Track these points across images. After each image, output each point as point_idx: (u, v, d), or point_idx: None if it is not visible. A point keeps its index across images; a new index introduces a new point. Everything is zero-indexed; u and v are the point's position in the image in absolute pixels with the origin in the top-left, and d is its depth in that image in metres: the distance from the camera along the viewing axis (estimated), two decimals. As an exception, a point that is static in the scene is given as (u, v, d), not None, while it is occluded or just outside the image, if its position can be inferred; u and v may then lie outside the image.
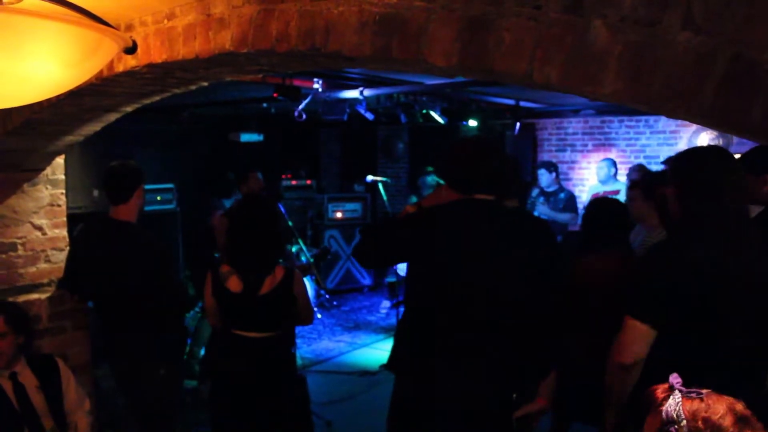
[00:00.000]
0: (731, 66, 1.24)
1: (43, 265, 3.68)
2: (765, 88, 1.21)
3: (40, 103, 2.71)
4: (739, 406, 1.42)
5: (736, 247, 2.25)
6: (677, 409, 1.40)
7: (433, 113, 7.23)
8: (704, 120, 1.32)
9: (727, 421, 1.37)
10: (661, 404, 1.44)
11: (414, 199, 8.58)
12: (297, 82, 5.76)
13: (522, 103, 8.15)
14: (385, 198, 7.53)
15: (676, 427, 1.39)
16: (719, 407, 1.39)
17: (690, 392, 1.43)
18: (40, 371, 3.18)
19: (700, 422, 1.37)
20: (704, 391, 1.44)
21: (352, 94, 6.25)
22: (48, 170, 3.66)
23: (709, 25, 1.25)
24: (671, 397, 1.44)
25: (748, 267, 2.23)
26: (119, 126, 3.55)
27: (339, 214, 9.39)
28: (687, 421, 1.38)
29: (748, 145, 2.82)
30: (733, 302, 2.21)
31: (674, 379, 1.49)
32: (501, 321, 2.48)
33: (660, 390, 1.49)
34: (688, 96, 1.28)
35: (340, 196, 9.82)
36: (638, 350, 2.25)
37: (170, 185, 7.85)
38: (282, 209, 6.67)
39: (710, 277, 2.20)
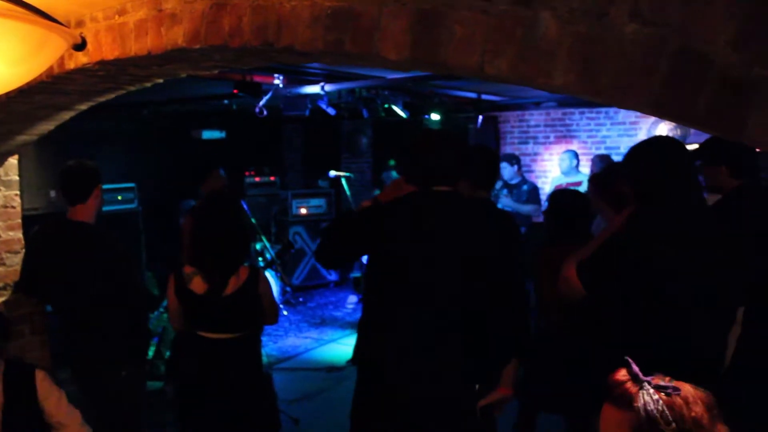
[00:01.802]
0: (678, 58, 1.25)
1: (-2, 269, 3.60)
2: (710, 80, 1.23)
3: (-12, 102, 2.65)
4: (707, 397, 1.43)
5: (686, 236, 2.29)
6: (659, 407, 1.38)
7: (395, 107, 7.23)
8: (653, 111, 1.34)
9: (706, 417, 1.38)
10: (634, 399, 1.42)
11: (378, 193, 8.58)
12: (258, 78, 5.72)
13: (484, 96, 8.20)
14: (348, 193, 7.53)
15: (661, 428, 1.38)
16: (697, 404, 1.39)
17: (665, 388, 1.41)
18: (12, 386, 2.91)
19: (689, 423, 1.37)
20: (672, 383, 1.44)
21: (314, 89, 6.23)
22: (0, 171, 3.58)
23: (656, 17, 1.26)
24: (643, 392, 1.42)
25: (697, 256, 2.27)
26: (77, 125, 3.49)
27: (303, 210, 9.35)
28: (675, 423, 1.36)
29: (705, 135, 2.88)
30: (679, 289, 2.26)
31: (634, 365, 1.48)
32: (460, 311, 2.49)
33: (628, 382, 1.47)
34: (636, 87, 1.30)
35: (304, 192, 9.78)
36: (565, 291, 2.44)
37: (131, 184, 7.75)
38: (245, 207, 6.61)
39: (658, 263, 2.25)
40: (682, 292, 2.25)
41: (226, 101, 7.13)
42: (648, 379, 1.44)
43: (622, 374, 1.49)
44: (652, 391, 1.41)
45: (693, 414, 1.38)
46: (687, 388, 1.43)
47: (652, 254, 2.26)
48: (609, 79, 1.33)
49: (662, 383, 1.43)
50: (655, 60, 1.27)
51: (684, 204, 2.36)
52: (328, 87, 6.18)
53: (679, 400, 1.39)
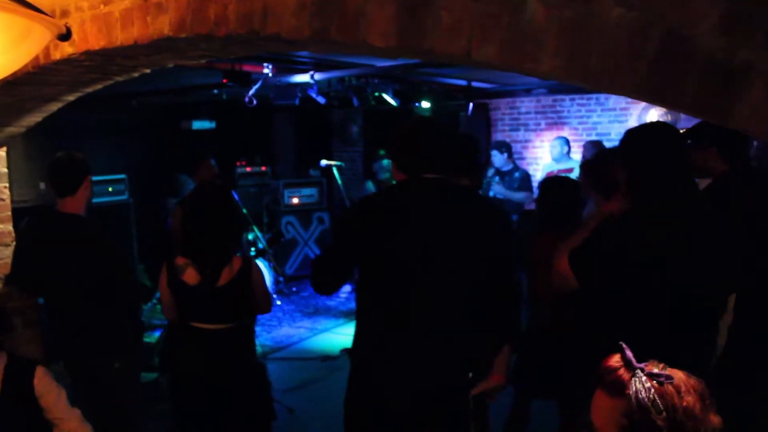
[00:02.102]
0: (664, 42, 1.25)
1: (-12, 262, 3.58)
2: (697, 64, 1.23)
3: (-26, 94, 2.63)
4: (699, 385, 1.42)
5: (680, 223, 2.29)
6: (650, 396, 1.37)
7: (385, 96, 7.22)
8: (640, 95, 1.34)
9: (698, 406, 1.38)
10: (627, 386, 1.40)
11: (370, 184, 8.57)
12: (247, 68, 5.69)
13: (474, 84, 8.18)
14: (340, 182, 7.52)
15: (652, 417, 1.37)
16: (689, 393, 1.38)
17: (658, 376, 1.40)
18: (10, 380, 2.88)
19: (680, 413, 1.36)
20: (666, 371, 1.43)
21: (303, 78, 6.21)
22: (-11, 164, 3.56)
23: (642, 1, 1.26)
24: (636, 379, 1.40)
25: (689, 243, 2.28)
26: (67, 116, 3.46)
27: (295, 200, 9.33)
28: (666, 412, 1.35)
29: (696, 120, 2.89)
30: (672, 276, 2.26)
31: (628, 351, 1.46)
32: (453, 298, 2.50)
33: (621, 369, 1.46)
34: (623, 72, 1.30)
35: (295, 181, 9.75)
36: (557, 284, 2.44)
37: (122, 176, 7.72)
38: (236, 197, 6.60)
39: (649, 250, 2.26)
40: (675, 280, 2.26)
41: (215, 91, 7.10)
42: (641, 366, 1.43)
43: (615, 360, 1.47)
44: (644, 378, 1.40)
45: (684, 404, 1.37)
46: (680, 377, 1.42)
47: (646, 241, 2.27)
48: (596, 64, 1.33)
49: (656, 371, 1.42)
50: (642, 44, 1.27)
51: (677, 190, 2.36)
52: (317, 76, 6.16)
53: (671, 389, 1.38)
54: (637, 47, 1.27)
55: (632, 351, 1.47)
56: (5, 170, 3.65)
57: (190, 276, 3.11)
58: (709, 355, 2.50)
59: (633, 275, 2.29)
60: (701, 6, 1.19)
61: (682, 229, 2.28)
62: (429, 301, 2.48)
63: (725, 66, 1.19)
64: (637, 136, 2.49)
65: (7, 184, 3.67)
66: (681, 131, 2.68)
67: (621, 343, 1.48)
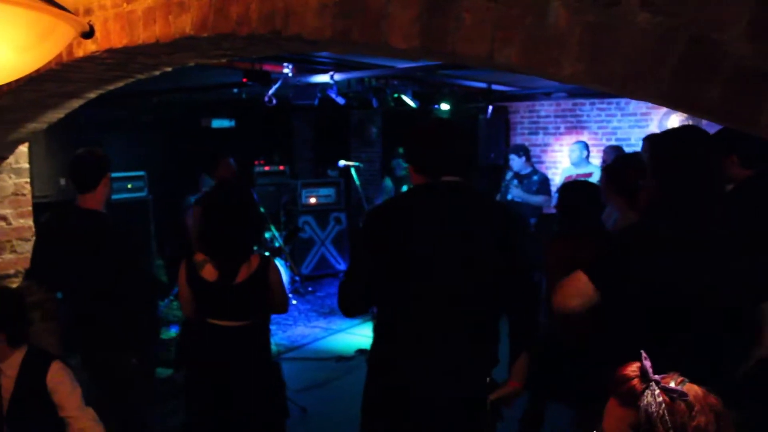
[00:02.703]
0: (690, 47, 1.24)
1: (8, 256, 3.61)
2: (723, 70, 1.22)
3: (-1, 90, 2.65)
4: (717, 404, 1.37)
5: (707, 229, 2.25)
6: (660, 411, 1.32)
7: (404, 97, 7.21)
8: (663, 101, 1.32)
9: (711, 428, 1.33)
10: (640, 398, 1.36)
11: (388, 181, 8.57)
12: (267, 67, 5.71)
13: (494, 87, 8.16)
14: (358, 183, 7.52)
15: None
16: (703, 412, 1.33)
17: (672, 392, 1.35)
18: (26, 372, 2.88)
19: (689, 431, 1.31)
20: (683, 386, 1.38)
21: (323, 78, 6.21)
22: (11, 159, 3.59)
23: (668, 6, 1.24)
24: (649, 391, 1.35)
25: (718, 252, 2.24)
26: (88, 113, 3.50)
27: (313, 200, 9.35)
28: (675, 430, 1.31)
29: (717, 126, 2.85)
30: (697, 286, 2.22)
31: (646, 361, 1.41)
32: (471, 302, 2.48)
33: (636, 379, 1.41)
34: (647, 77, 1.28)
35: (313, 181, 9.76)
36: (572, 303, 2.32)
37: (141, 173, 7.76)
38: (255, 196, 6.62)
39: (674, 259, 2.22)
40: (698, 290, 2.22)
41: (235, 90, 7.12)
42: (657, 378, 1.38)
43: (631, 369, 1.43)
44: (657, 392, 1.36)
45: (695, 423, 1.32)
46: (696, 393, 1.37)
47: (669, 250, 2.23)
48: (619, 69, 1.32)
49: (671, 385, 1.37)
50: (666, 50, 1.26)
51: (704, 197, 2.31)
52: (337, 76, 6.16)
53: (682, 406, 1.34)
54: (662, 52, 1.25)
55: (652, 359, 1.43)
56: (27, 166, 3.69)
57: (209, 272, 3.13)
58: (733, 367, 2.45)
59: (654, 284, 2.25)
60: (729, 12, 1.17)
61: (707, 239, 2.24)
62: (448, 305, 2.47)
63: (753, 72, 1.17)
64: (665, 139, 2.45)
65: (29, 180, 3.71)
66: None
67: (642, 351, 1.45)
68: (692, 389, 1.38)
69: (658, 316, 2.27)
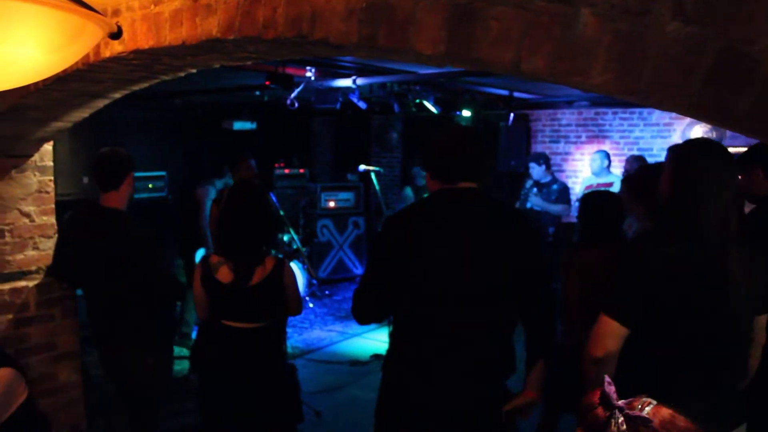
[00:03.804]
0: (720, 57, 1.22)
1: (31, 252, 3.65)
2: (754, 81, 1.20)
3: (27, 88, 2.67)
4: (685, 425, 1.29)
5: (718, 246, 2.22)
6: None
7: (426, 103, 7.21)
8: (691, 112, 1.30)
9: None
10: (603, 428, 1.29)
11: (408, 190, 8.56)
12: (289, 70, 5.74)
13: (516, 94, 8.14)
14: (377, 188, 7.52)
15: None
16: None
17: (636, 419, 1.27)
18: None
19: None
20: (647, 408, 1.33)
21: (345, 82, 6.24)
22: (36, 157, 3.63)
23: (699, 16, 1.23)
24: (613, 421, 1.28)
25: (728, 268, 2.20)
26: (111, 113, 3.53)
27: (332, 204, 9.37)
28: None
29: (741, 138, 2.82)
30: (708, 303, 2.20)
31: (609, 387, 1.37)
32: (488, 311, 2.47)
33: (599, 408, 1.36)
34: (675, 87, 1.27)
35: (333, 185, 9.79)
36: (609, 345, 2.24)
37: (162, 173, 7.84)
38: (274, 198, 6.64)
39: (685, 278, 2.18)
40: (709, 308, 2.20)
41: (257, 93, 7.18)
42: (620, 404, 1.31)
43: (596, 397, 1.39)
44: (621, 420, 1.29)
45: None
46: (662, 417, 1.30)
47: (677, 270, 2.20)
48: (647, 79, 1.30)
49: (636, 412, 1.30)
50: (697, 60, 1.24)
51: (720, 215, 2.27)
52: (359, 81, 6.18)
53: None
54: (692, 63, 1.24)
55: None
56: (51, 164, 3.73)
57: (224, 274, 3.14)
58: (738, 378, 2.42)
59: (653, 303, 2.22)
60: (763, 21, 1.16)
61: (713, 253, 2.21)
62: (464, 313, 2.46)
63: (785, 85, 1.16)
64: (687, 148, 2.42)
65: (52, 178, 3.75)
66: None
67: (606, 376, 1.39)
68: (659, 413, 1.31)
69: (671, 335, 2.25)
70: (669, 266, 2.19)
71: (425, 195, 2.78)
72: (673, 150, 2.40)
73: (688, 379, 2.23)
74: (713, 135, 7.53)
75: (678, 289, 2.19)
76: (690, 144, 2.43)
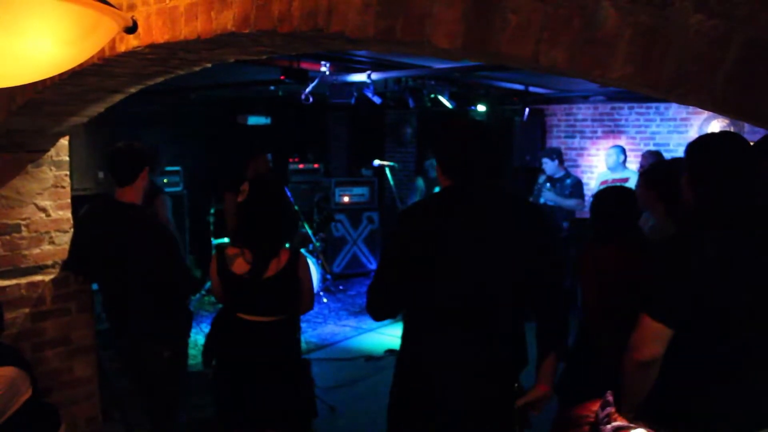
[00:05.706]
0: (745, 51, 1.19)
1: (47, 247, 3.67)
2: (780, 75, 1.17)
3: (42, 83, 2.68)
4: None
5: (754, 241, 2.18)
6: None
7: (441, 98, 7.18)
8: (715, 107, 1.28)
9: None
10: None
11: (420, 181, 8.55)
12: (304, 65, 5.72)
13: (531, 89, 8.09)
14: (392, 182, 7.52)
15: None
16: None
17: None
18: None
19: None
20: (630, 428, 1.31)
21: (360, 77, 6.22)
22: (52, 151, 3.64)
23: (723, 8, 1.20)
24: None
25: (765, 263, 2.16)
26: (126, 108, 3.53)
27: (346, 198, 9.36)
28: None
29: (760, 133, 2.77)
30: (750, 301, 2.15)
31: (608, 409, 1.35)
32: (500, 303, 2.46)
33: (586, 426, 1.35)
34: (699, 81, 1.24)
35: (347, 180, 9.79)
36: (655, 348, 2.17)
37: (177, 168, 7.85)
38: (288, 193, 6.65)
39: (725, 276, 2.13)
40: (751, 305, 2.15)
41: (272, 87, 7.17)
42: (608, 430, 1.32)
43: (589, 410, 1.37)
44: None
45: None
46: None
47: (718, 268, 2.15)
48: (670, 73, 1.27)
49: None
50: (721, 53, 1.21)
51: (749, 209, 2.23)
52: (374, 75, 6.16)
53: None
54: (716, 57, 1.21)
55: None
56: (67, 158, 3.74)
57: (239, 266, 3.14)
58: None
59: (697, 303, 2.18)
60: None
61: (749, 249, 2.17)
62: (476, 307, 2.45)
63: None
64: (706, 143, 2.38)
65: (68, 172, 3.76)
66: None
67: (607, 393, 1.37)
68: None
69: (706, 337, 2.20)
70: (708, 267, 2.14)
71: (437, 188, 2.76)
72: (688, 149, 2.36)
73: (736, 382, 2.19)
74: (732, 129, 7.46)
75: (718, 290, 2.13)
76: (703, 141, 2.39)
